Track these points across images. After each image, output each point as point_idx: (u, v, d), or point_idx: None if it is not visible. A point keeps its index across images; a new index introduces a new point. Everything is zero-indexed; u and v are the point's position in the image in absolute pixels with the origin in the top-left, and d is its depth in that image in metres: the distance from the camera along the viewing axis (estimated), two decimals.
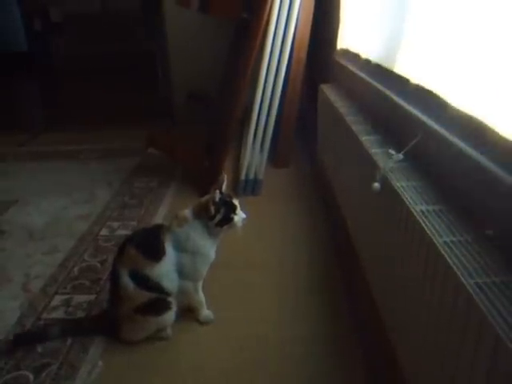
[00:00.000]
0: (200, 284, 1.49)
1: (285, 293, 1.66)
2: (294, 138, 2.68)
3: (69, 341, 1.45)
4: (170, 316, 1.43)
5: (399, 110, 1.29)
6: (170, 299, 1.42)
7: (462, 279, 0.69)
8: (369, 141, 1.36)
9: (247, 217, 1.45)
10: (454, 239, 0.80)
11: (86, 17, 5.87)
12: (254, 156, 2.46)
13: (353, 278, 1.62)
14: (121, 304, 1.39)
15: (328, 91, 2.12)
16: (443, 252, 0.76)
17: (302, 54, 2.40)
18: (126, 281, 1.35)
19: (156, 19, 3.87)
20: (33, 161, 3.08)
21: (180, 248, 1.40)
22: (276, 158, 2.69)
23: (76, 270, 1.82)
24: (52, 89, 5.05)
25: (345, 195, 1.72)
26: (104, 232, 2.11)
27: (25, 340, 1.46)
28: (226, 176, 1.47)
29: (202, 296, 1.51)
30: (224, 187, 1.45)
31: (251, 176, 2.45)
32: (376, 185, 1.12)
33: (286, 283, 1.72)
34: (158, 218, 2.21)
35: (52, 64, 5.64)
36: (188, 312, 1.52)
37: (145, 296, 1.37)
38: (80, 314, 1.57)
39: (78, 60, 5.57)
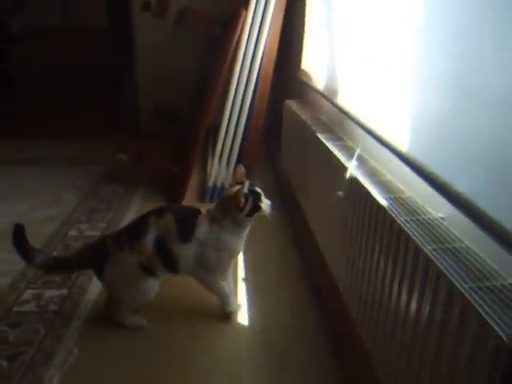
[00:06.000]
0: (220, 277, 1.53)
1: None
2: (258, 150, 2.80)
3: (42, 330, 1.47)
4: (154, 284, 1.47)
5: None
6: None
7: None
8: (334, 146, 1.50)
9: (272, 203, 1.49)
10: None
11: (49, 29, 5.81)
12: (221, 164, 2.56)
13: (321, 278, 1.73)
14: (130, 253, 1.41)
15: (294, 106, 2.26)
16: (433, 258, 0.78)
17: (270, 69, 2.54)
18: (150, 240, 1.40)
19: (123, 33, 3.93)
20: None
21: (205, 242, 1.44)
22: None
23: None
24: (12, 100, 4.99)
25: (309, 200, 1.83)
26: (73, 232, 2.12)
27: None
28: (242, 167, 1.52)
29: (224, 288, 1.54)
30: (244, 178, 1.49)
31: (218, 183, 2.55)
32: (340, 193, 1.22)
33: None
34: (127, 221, 2.24)
35: (12, 75, 5.55)
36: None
37: (153, 261, 1.42)
38: (53, 308, 1.59)
39: (42, 72, 5.48)
